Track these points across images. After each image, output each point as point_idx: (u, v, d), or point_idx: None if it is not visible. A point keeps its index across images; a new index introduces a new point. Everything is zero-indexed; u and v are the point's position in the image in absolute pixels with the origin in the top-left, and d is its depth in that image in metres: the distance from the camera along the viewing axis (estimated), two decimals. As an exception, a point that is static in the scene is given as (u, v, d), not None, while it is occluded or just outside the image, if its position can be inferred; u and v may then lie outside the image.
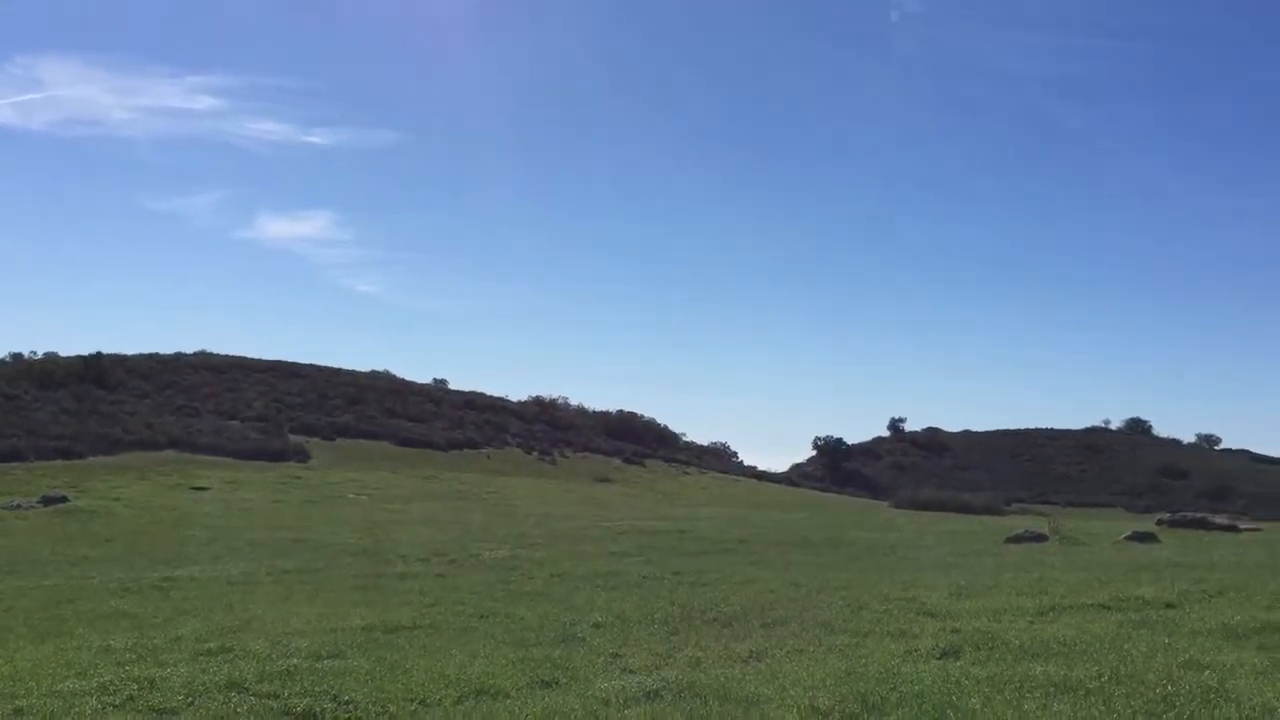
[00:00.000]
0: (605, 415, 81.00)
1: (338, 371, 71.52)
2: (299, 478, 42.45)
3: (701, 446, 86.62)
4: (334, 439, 54.28)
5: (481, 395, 75.79)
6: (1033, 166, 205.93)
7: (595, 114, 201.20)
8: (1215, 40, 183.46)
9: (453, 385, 79.33)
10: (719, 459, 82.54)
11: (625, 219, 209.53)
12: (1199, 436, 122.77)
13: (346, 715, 7.13)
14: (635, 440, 74.24)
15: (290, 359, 71.94)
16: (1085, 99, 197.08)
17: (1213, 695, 6.86)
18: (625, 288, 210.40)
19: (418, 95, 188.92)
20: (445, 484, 45.06)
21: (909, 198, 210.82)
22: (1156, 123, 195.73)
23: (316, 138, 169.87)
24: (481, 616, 11.75)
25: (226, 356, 69.32)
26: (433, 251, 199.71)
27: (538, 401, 79.55)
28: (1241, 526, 32.40)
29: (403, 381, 75.09)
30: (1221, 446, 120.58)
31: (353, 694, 7.59)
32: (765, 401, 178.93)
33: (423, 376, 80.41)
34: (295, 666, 8.56)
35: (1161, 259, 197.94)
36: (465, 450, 58.26)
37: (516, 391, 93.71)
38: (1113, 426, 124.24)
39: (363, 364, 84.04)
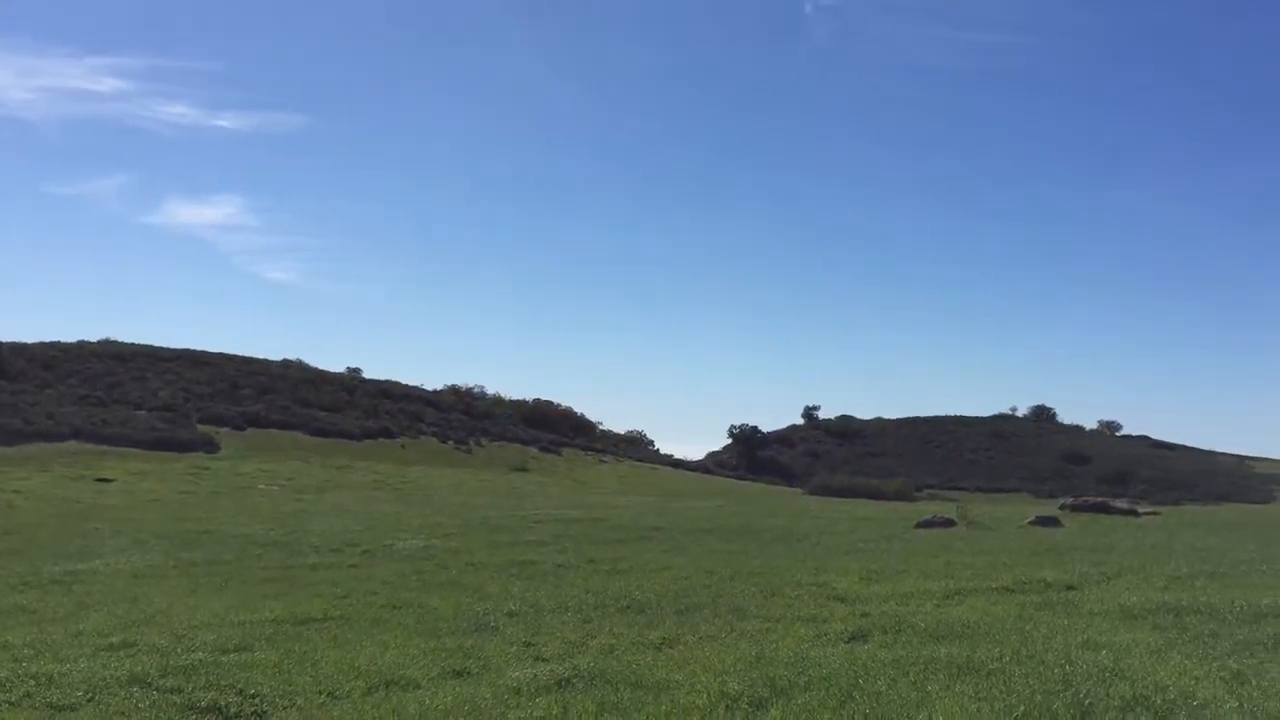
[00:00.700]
0: (522, 404, 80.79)
1: (248, 360, 70.22)
2: (207, 469, 41.62)
3: (618, 435, 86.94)
4: (244, 429, 53.31)
5: (396, 384, 75.03)
6: (946, 158, 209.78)
7: (509, 98, 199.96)
8: (1123, 39, 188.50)
9: (367, 374, 78.44)
10: (636, 447, 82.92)
11: (542, 208, 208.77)
12: (1101, 423, 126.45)
13: (253, 709, 7.02)
14: (552, 429, 74.16)
15: (199, 347, 70.64)
16: (1001, 92, 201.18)
17: (1108, 674, 7.09)
18: (542, 277, 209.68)
19: (328, 78, 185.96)
20: (359, 474, 44.55)
21: (822, 189, 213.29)
22: (1068, 115, 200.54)
23: (225, 121, 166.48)
24: (394, 607, 11.64)
25: (132, 345, 67.69)
26: (345, 238, 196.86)
27: (454, 390, 79.06)
28: (1140, 511, 33.47)
29: (315, 370, 73.99)
30: (1122, 433, 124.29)
31: (259, 687, 7.48)
32: (682, 390, 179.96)
33: (336, 365, 79.36)
34: (200, 660, 8.41)
35: (1067, 250, 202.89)
36: (380, 440, 57.64)
37: (432, 380, 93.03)
38: (1019, 414, 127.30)
39: (274, 352, 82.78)
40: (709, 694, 6.80)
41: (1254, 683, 6.74)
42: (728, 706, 6.55)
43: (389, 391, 71.30)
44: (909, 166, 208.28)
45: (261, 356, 73.31)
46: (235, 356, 70.13)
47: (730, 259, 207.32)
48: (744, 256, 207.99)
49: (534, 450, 64.83)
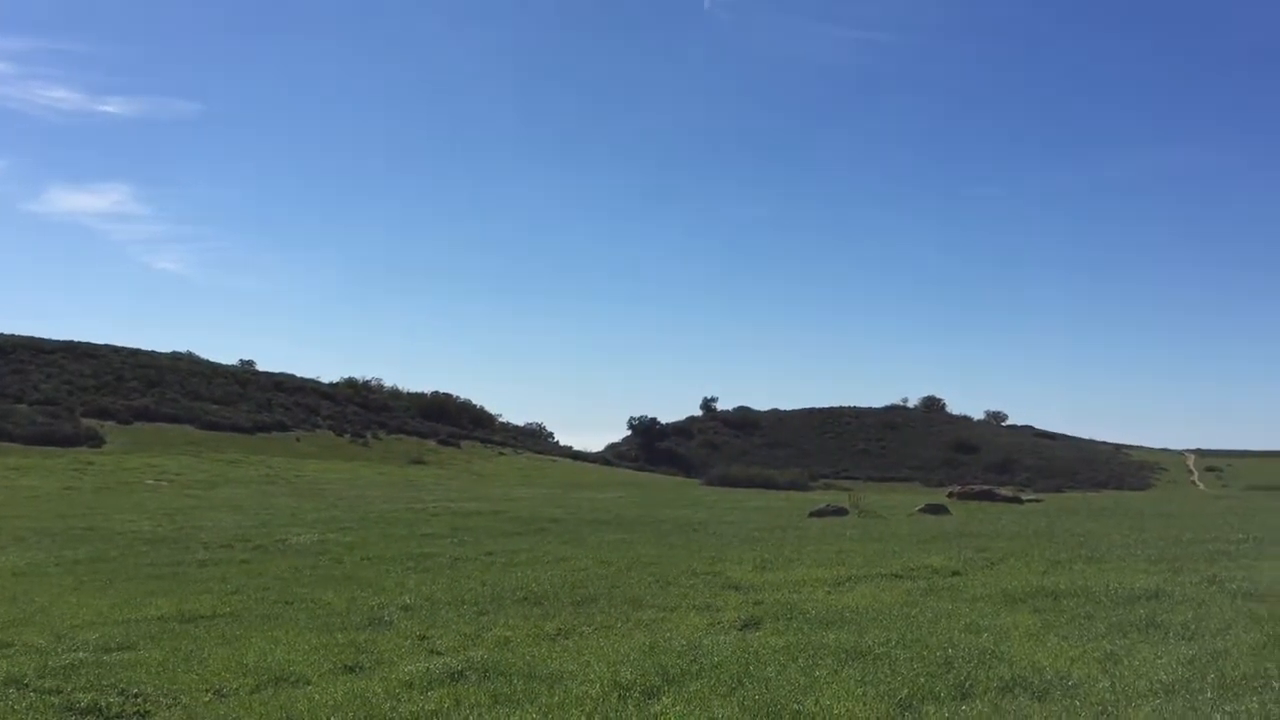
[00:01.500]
0: (420, 397, 79.98)
1: (135, 352, 68.24)
2: (92, 463, 40.30)
3: (518, 427, 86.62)
4: (131, 423, 51.78)
5: (290, 377, 73.67)
6: (838, 152, 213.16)
7: (404, 90, 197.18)
8: (1008, 37, 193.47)
9: (260, 367, 77.00)
10: (535, 440, 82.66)
11: (439, 202, 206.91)
12: (988, 414, 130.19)
13: (135, 709, 6.85)
14: (451, 422, 73.57)
15: (83, 339, 68.43)
16: (890, 91, 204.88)
17: (989, 656, 7.32)
18: (442, 270, 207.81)
19: (221, 63, 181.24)
20: (252, 468, 43.60)
21: (718, 182, 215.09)
22: (954, 115, 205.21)
23: (112, 106, 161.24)
24: (286, 603, 11.46)
25: (11, 336, 65.23)
26: (238, 227, 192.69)
27: (350, 383, 77.92)
28: (1024, 498, 34.58)
29: (206, 363, 72.28)
30: (1008, 423, 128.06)
31: (142, 686, 7.31)
32: (582, 382, 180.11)
33: (228, 358, 77.75)
34: (81, 660, 8.17)
35: (955, 245, 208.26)
36: (273, 433, 56.52)
37: (328, 373, 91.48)
38: (910, 405, 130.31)
39: (163, 344, 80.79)
40: (602, 683, 6.85)
41: (1126, 662, 7.01)
42: (620, 696, 6.60)
43: (283, 384, 69.97)
44: (802, 160, 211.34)
45: (149, 349, 71.51)
46: (122, 349, 68.13)
47: (629, 252, 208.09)
48: (643, 250, 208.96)
49: (432, 443, 64.24)
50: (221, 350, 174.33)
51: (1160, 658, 7.03)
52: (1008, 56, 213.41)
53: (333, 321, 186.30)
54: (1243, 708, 5.65)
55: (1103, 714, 5.81)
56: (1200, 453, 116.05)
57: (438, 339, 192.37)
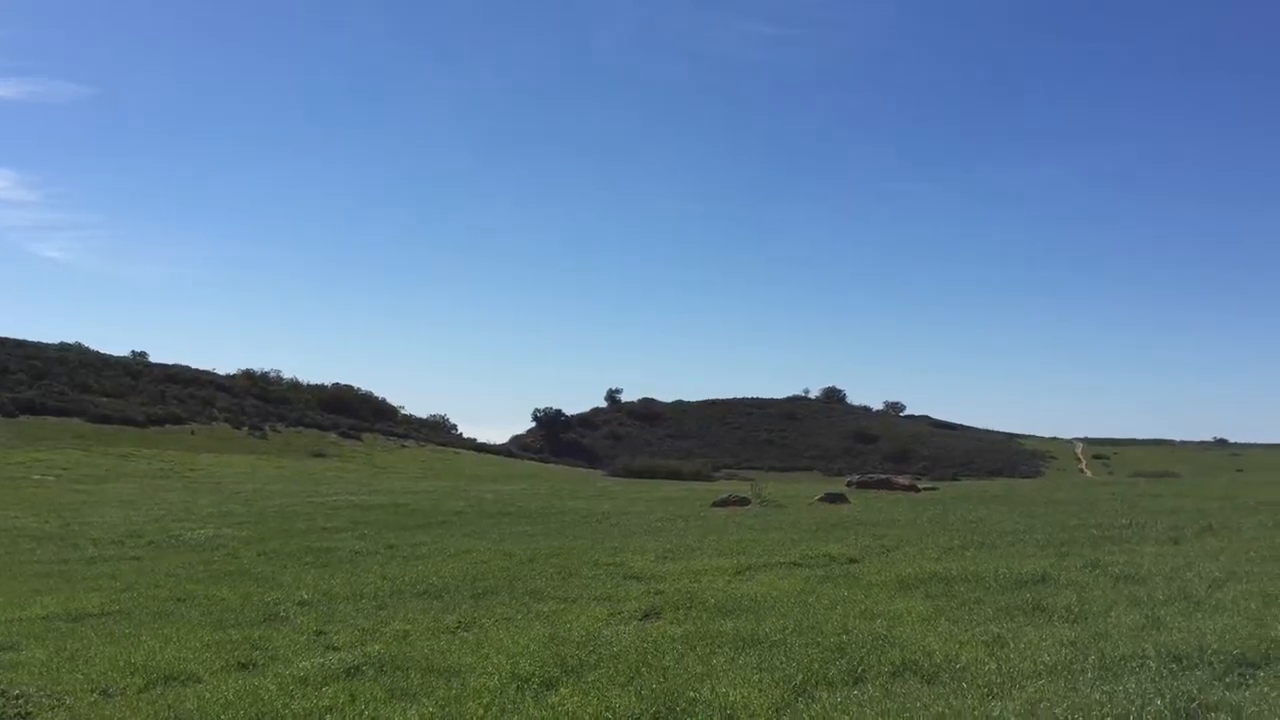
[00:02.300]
0: (321, 389, 78.64)
1: (21, 343, 65.81)
2: (-26, 458, 38.81)
3: (420, 420, 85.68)
4: (16, 416, 49.91)
5: (185, 369, 71.83)
6: (742, 146, 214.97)
7: (301, 76, 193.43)
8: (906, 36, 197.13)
9: (153, 358, 74.81)
10: (438, 432, 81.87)
11: (334, 186, 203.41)
12: (886, 404, 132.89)
13: (15, 710, 6.64)
14: (352, 414, 72.48)
15: (-36, 329, 65.75)
16: (792, 84, 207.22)
17: (881, 641, 7.49)
18: (342, 260, 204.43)
19: (112, 47, 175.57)
20: (144, 462, 42.43)
21: (622, 174, 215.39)
22: (852, 110, 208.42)
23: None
24: (179, 600, 11.21)
25: (-115, 326, 62.47)
26: (129, 215, 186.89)
27: (248, 375, 76.25)
28: (920, 486, 35.30)
29: (96, 354, 70.06)
30: (906, 413, 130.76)
31: (25, 687, 7.08)
32: (486, 374, 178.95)
33: (120, 349, 75.30)
34: (-41, 662, 7.90)
35: (855, 239, 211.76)
36: (167, 426, 55.01)
37: (225, 364, 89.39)
38: (812, 396, 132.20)
39: (50, 335, 78.07)
40: (500, 675, 6.84)
41: (1011, 645, 7.23)
42: (519, 687, 6.60)
43: (177, 376, 68.18)
44: (707, 154, 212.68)
45: (36, 339, 69.07)
46: (6, 339, 65.63)
47: (534, 244, 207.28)
48: (548, 241, 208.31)
49: (333, 436, 63.21)
50: (112, 341, 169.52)
51: (1044, 640, 7.25)
52: (923, 52, 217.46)
53: (228, 312, 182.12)
54: (1120, 688, 5.86)
55: (988, 695, 5.98)
56: (1088, 441, 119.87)
57: (339, 330, 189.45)
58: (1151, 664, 6.39)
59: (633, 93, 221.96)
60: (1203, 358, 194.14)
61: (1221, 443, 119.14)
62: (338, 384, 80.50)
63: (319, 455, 55.26)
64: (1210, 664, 6.33)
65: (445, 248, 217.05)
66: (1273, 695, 5.57)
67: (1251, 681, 5.95)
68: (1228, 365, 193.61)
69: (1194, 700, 5.56)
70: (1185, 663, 6.40)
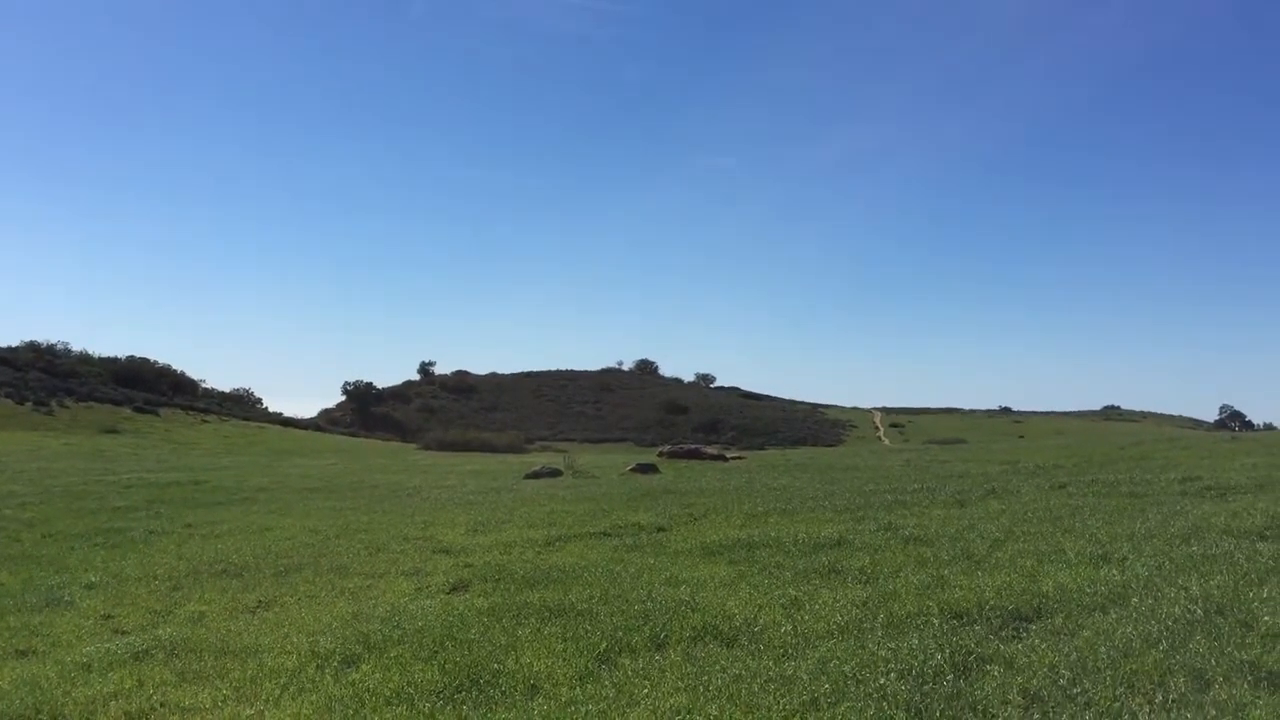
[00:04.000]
0: (113, 362, 74.69)
1: None
2: None
3: (223, 394, 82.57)
4: None
5: (-40, 340, 67.08)
6: (552, 118, 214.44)
7: (89, 34, 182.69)
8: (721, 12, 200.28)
9: (-77, 329, 69.53)
10: (242, 406, 79.05)
11: (131, 154, 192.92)
12: (698, 375, 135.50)
13: None
14: (148, 388, 69.19)
15: None
16: (608, 55, 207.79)
17: (684, 607, 7.66)
18: (134, 224, 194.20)
19: None
20: (-87, 441, 39.47)
21: (433, 146, 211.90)
22: (667, 81, 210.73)
23: None
24: (-49, 586, 10.50)
25: None
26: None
27: (32, 347, 71.75)
28: (729, 456, 36.21)
29: None
30: (716, 385, 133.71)
31: None
32: (293, 347, 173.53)
33: (-119, 318, 69.68)
34: None
35: (661, 212, 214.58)
36: (-60, 402, 51.32)
37: (6, 337, 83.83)
38: (625, 367, 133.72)
39: None
40: (299, 654, 6.69)
41: (808, 607, 7.51)
42: (318, 665, 6.47)
43: (-49, 348, 63.62)
44: (514, 124, 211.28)
45: None
46: None
47: (340, 214, 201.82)
48: (354, 212, 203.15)
49: (127, 410, 60.14)
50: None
51: (838, 601, 7.57)
52: (735, 27, 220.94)
53: (10, 281, 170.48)
54: (904, 644, 6.17)
55: (783, 656, 6.21)
56: (887, 411, 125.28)
57: (133, 300, 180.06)
58: (935, 621, 6.75)
59: (445, 63, 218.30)
60: (988, 331, 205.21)
61: (1006, 410, 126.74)
62: (132, 356, 76.72)
63: (111, 431, 52.52)
64: (988, 619, 6.73)
65: (247, 216, 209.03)
66: (1042, 646, 5.96)
67: (1024, 634, 6.35)
68: (1010, 338, 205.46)
69: (971, 653, 5.90)
70: (965, 619, 6.78)
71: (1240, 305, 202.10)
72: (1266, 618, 6.06)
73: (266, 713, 5.66)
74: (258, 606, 8.88)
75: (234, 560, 11.46)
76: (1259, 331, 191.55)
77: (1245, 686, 5.03)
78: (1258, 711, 4.72)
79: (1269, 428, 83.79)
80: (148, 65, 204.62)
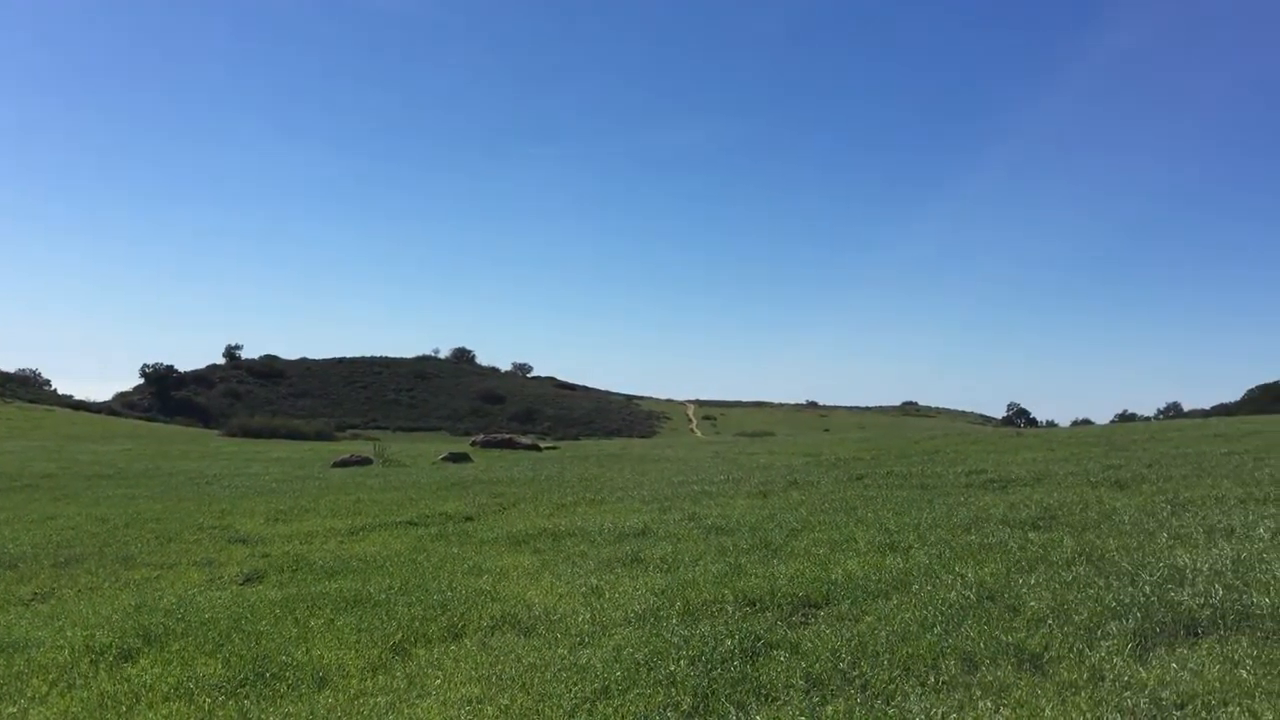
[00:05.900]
0: (-120, 337, 69.26)
1: None
2: None
3: (7, 374, 77.61)
4: None
5: None
6: (385, 97, 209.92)
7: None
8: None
9: None
10: (28, 387, 74.53)
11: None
12: (515, 365, 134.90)
13: None
14: (-79, 366, 64.40)
15: None
16: (434, 37, 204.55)
17: (484, 597, 7.63)
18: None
19: None
20: None
21: (254, 123, 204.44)
22: (488, 65, 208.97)
23: None
24: None
25: None
26: None
27: None
28: (542, 446, 36.25)
29: None
30: (533, 374, 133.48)
31: None
32: (87, 326, 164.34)
33: None
34: None
35: (479, 198, 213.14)
36: None
37: None
38: (441, 355, 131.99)
39: None
40: (73, 649, 6.35)
41: (607, 595, 7.59)
42: (92, 660, 6.16)
43: None
44: (330, 108, 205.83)
45: None
46: None
47: (146, 189, 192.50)
48: (162, 187, 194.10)
49: (-105, 390, 55.88)
50: None
51: (638, 589, 7.67)
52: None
53: None
54: (698, 631, 6.30)
55: (580, 644, 6.25)
56: (700, 403, 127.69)
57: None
58: (729, 608, 6.91)
59: (292, 32, 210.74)
60: (798, 327, 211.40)
61: (813, 405, 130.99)
62: (-98, 332, 71.28)
63: (-124, 413, 48.72)
64: (780, 605, 6.93)
65: (43, 189, 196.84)
66: (827, 632, 6.18)
67: (812, 620, 6.57)
68: (819, 335, 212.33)
69: (760, 639, 6.07)
70: (758, 605, 6.97)
71: (1029, 309, 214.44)
72: (1032, 603, 6.44)
73: (31, 710, 5.35)
74: (33, 599, 8.42)
75: (10, 550, 10.83)
76: (1045, 335, 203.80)
77: (1009, 668, 5.32)
78: (1019, 692, 5.01)
79: (1051, 424, 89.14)
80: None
